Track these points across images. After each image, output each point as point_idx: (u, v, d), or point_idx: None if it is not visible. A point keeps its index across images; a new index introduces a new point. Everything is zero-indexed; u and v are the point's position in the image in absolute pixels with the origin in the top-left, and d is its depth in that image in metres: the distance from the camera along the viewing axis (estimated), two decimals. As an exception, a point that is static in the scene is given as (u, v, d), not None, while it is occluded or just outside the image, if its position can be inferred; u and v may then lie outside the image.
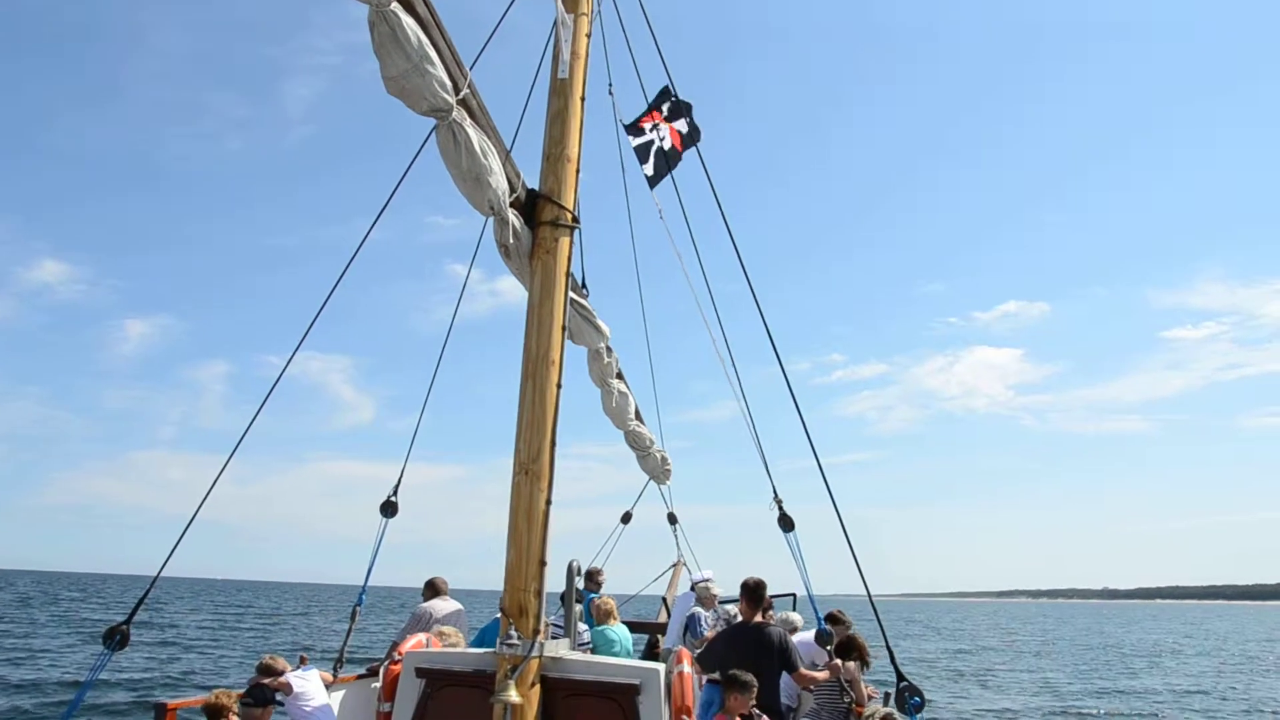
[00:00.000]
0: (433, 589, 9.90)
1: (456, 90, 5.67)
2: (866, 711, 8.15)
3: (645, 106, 8.62)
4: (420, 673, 6.31)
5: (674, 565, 15.11)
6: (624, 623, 10.80)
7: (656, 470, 12.61)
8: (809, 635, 9.20)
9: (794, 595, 10.53)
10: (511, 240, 6.13)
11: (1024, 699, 32.09)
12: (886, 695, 7.71)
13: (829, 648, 8.20)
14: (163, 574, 6.45)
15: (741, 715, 7.19)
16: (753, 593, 8.43)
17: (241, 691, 7.39)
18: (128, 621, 6.29)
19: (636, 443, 11.16)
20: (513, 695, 5.50)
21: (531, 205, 6.42)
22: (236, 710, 7.06)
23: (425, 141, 6.07)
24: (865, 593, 6.95)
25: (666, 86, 8.61)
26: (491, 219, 6.12)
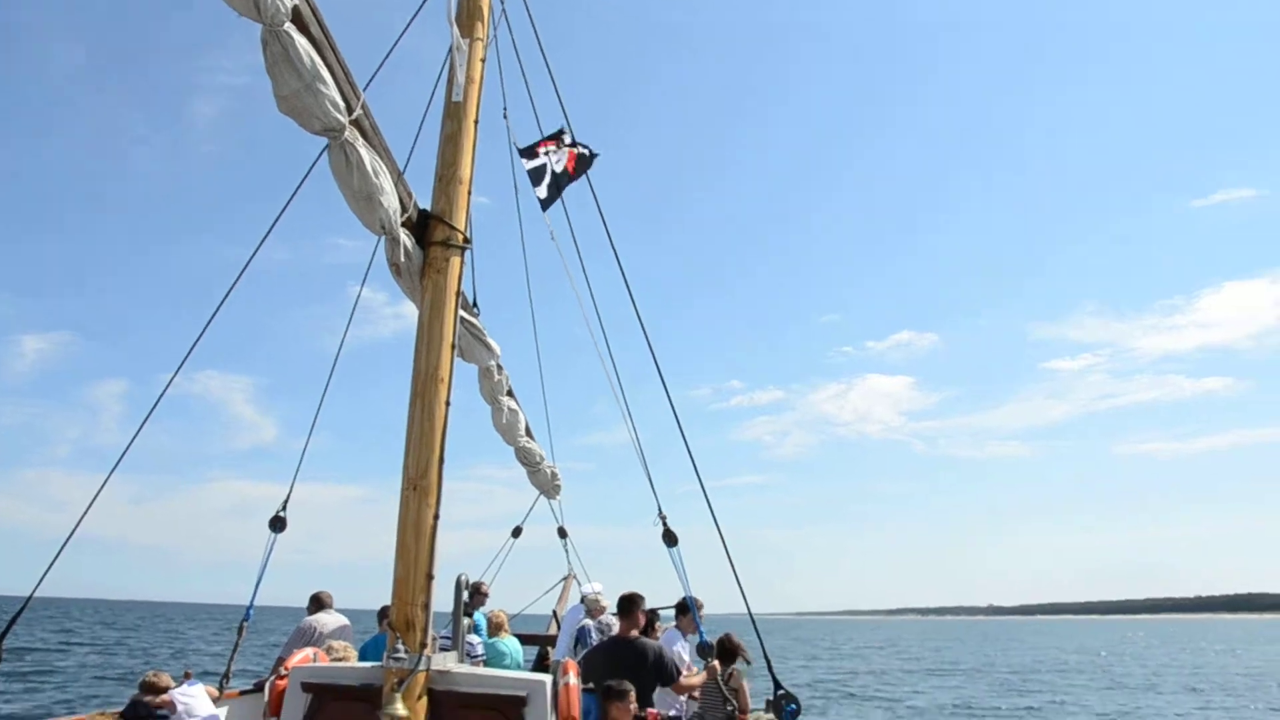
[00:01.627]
0: (318, 603, 9.85)
1: (349, 110, 5.79)
2: (749, 719, 8.48)
3: (539, 132, 8.84)
4: (307, 687, 6.29)
5: (564, 579, 15.30)
6: (515, 635, 10.95)
7: (547, 485, 12.80)
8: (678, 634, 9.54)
9: (680, 607, 10.85)
10: (403, 259, 6.25)
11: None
12: (767, 703, 8.05)
13: (710, 659, 8.48)
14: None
15: None
16: (627, 606, 8.66)
17: (120, 710, 7.24)
18: (1, 638, 6.17)
19: (527, 458, 11.34)
20: (399, 709, 5.53)
21: (423, 225, 6.54)
22: None
23: (316, 161, 6.16)
24: (746, 608, 7.25)
25: (562, 128, 8.84)
26: (383, 238, 6.23)
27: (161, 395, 6.84)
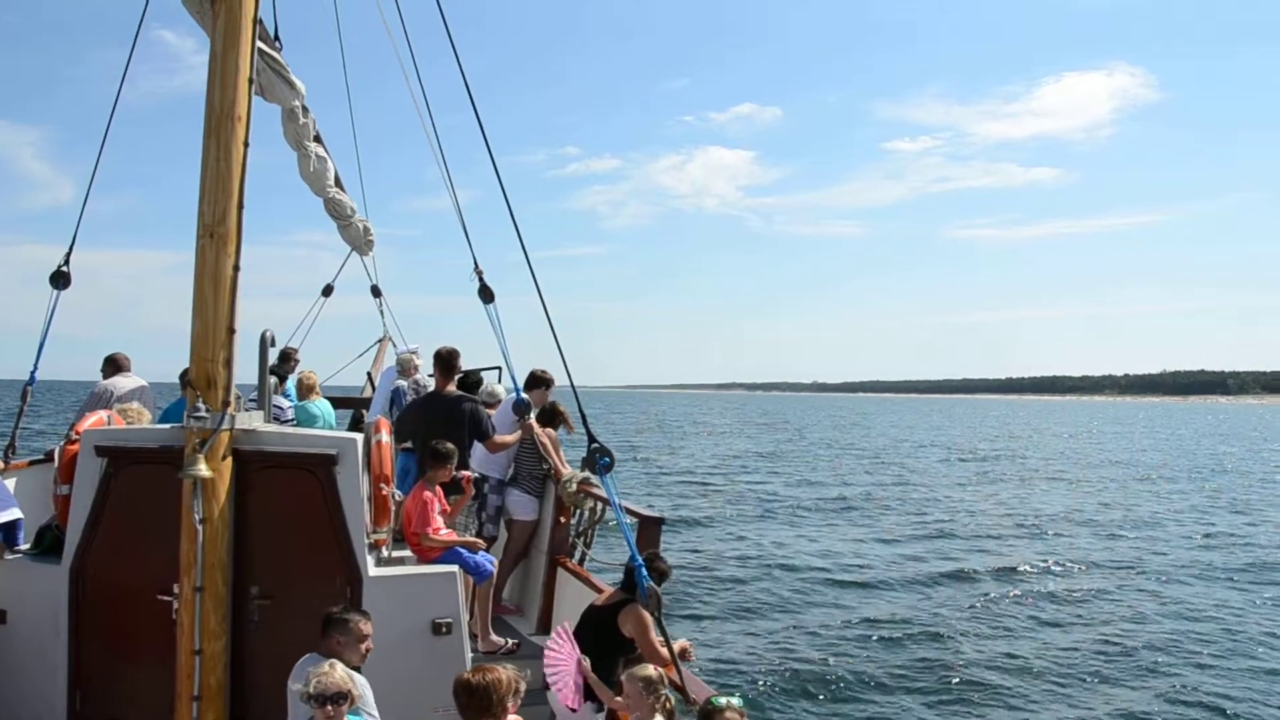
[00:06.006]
0: (114, 365, 9.72)
1: None
2: (565, 475, 9.20)
3: None
4: (101, 451, 6.20)
5: (379, 341, 15.55)
6: (327, 399, 11.27)
7: (358, 241, 12.68)
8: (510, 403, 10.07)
9: (499, 368, 11.33)
10: (190, -21, 5.99)
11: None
12: (583, 461, 8.67)
13: (527, 417, 9.00)
14: None
15: (442, 483, 7.99)
16: (445, 362, 9.03)
17: None
18: None
19: (336, 211, 11.18)
20: (202, 469, 5.59)
21: (212, -59, 6.20)
22: None
23: None
24: (568, 378, 7.70)
25: None
26: (167, -47, 5.93)
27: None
